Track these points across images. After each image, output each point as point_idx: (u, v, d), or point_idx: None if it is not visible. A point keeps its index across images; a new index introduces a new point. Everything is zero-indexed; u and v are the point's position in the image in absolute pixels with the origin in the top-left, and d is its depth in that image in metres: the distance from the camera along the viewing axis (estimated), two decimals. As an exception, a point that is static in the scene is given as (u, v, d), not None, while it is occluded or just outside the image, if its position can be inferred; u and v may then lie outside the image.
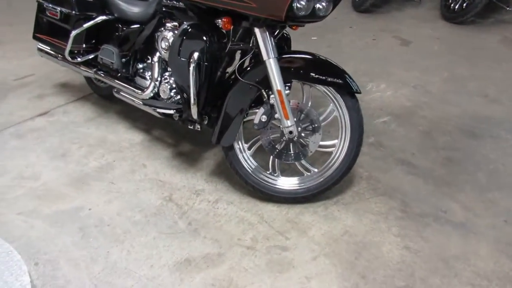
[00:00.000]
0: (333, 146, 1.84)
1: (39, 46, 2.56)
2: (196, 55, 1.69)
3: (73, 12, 2.20)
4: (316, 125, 1.78)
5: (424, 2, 4.85)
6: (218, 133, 1.79)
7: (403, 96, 2.87)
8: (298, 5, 1.52)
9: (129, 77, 2.26)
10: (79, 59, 2.34)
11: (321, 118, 1.81)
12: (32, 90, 2.90)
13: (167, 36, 1.92)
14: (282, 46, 2.03)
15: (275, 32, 1.80)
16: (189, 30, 1.74)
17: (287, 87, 1.75)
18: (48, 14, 2.35)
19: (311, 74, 1.71)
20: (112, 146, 2.29)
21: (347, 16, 4.38)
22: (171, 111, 1.91)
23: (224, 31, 1.74)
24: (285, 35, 2.04)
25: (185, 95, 1.80)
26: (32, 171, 2.07)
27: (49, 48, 2.49)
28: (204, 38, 1.69)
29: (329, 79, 1.70)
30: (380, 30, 4.11)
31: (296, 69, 1.73)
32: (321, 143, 1.83)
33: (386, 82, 3.04)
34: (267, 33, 1.67)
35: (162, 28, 2.02)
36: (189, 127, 1.96)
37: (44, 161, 2.15)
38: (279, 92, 1.68)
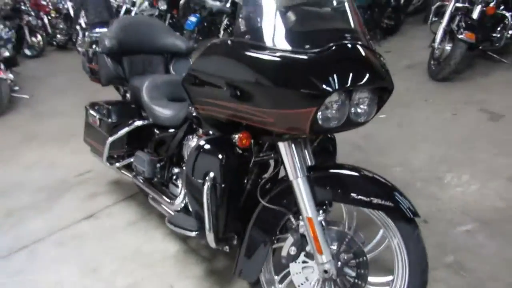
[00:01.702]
0: (387, 284, 1.42)
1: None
2: (211, 175, 1.46)
3: (109, 120, 2.16)
4: (361, 258, 1.39)
5: (518, 64, 4.20)
6: (241, 265, 1.48)
7: (494, 192, 2.30)
8: (328, 114, 1.22)
9: (164, 183, 2.11)
10: (117, 164, 2.27)
11: (368, 247, 1.42)
12: (87, 188, 2.91)
13: (191, 145, 1.74)
14: (326, 148, 1.73)
15: (310, 140, 1.51)
16: (204, 146, 1.52)
17: (321, 211, 1.41)
18: (91, 121, 2.35)
19: (352, 194, 1.36)
20: (145, 259, 2.10)
21: (422, 86, 3.91)
22: (192, 233, 1.67)
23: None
24: (329, 136, 1.74)
25: (199, 220, 1.55)
26: (58, 291, 1.94)
27: (95, 152, 2.48)
28: (220, 156, 1.46)
29: (374, 201, 1.33)
30: (463, 102, 3.56)
31: (333, 188, 1.39)
32: (371, 279, 1.42)
33: (470, 172, 2.50)
34: (294, 147, 1.38)
35: (190, 136, 1.86)
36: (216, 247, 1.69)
37: (74, 277, 2.02)
38: (309, 220, 1.35)
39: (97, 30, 2.51)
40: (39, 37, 8.75)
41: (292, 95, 1.16)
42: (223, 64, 1.30)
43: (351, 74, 1.16)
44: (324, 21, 1.34)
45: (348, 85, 1.16)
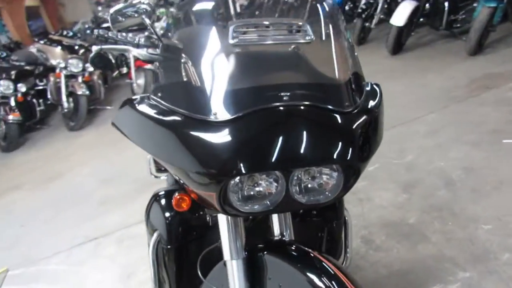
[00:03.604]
0: None
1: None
2: (156, 235, 1.33)
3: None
4: None
5: None
6: None
7: None
8: (249, 195, 0.95)
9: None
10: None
11: None
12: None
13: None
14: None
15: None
16: (159, 196, 1.37)
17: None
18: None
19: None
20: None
21: None
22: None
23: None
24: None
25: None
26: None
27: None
28: (167, 214, 1.31)
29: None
30: None
31: (274, 276, 1.10)
32: None
33: None
34: (232, 222, 1.14)
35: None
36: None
37: (113, 280, 2.21)
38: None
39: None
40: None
41: (186, 174, 0.94)
42: (132, 126, 1.14)
43: (257, 154, 0.86)
44: (274, 72, 1.03)
45: (254, 169, 0.87)
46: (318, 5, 1.16)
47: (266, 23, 1.03)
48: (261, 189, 0.95)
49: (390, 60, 4.97)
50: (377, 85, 1.11)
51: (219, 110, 0.89)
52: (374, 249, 1.95)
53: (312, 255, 1.09)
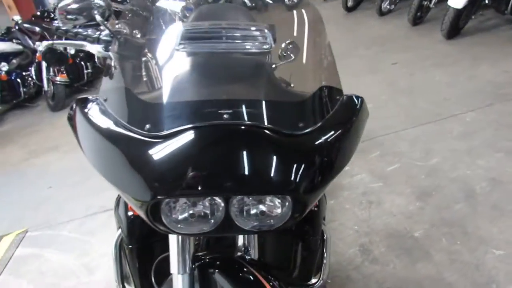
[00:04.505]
0: None
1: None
2: (119, 232, 1.32)
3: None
4: None
5: None
6: None
7: None
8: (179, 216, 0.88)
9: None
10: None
11: None
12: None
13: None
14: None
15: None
16: None
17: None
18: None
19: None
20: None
21: None
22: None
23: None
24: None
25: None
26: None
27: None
28: (129, 213, 1.28)
29: None
30: None
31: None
32: None
33: None
34: (181, 239, 1.08)
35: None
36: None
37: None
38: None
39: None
40: None
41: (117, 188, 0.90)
42: (79, 128, 1.09)
43: (184, 177, 0.78)
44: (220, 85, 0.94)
45: (179, 193, 0.80)
46: (294, 10, 1.04)
47: (221, 27, 0.93)
48: (194, 212, 0.88)
49: (443, 45, 4.54)
50: (358, 98, 0.97)
51: (152, 124, 0.83)
52: (370, 261, 1.84)
53: (264, 281, 1.03)
